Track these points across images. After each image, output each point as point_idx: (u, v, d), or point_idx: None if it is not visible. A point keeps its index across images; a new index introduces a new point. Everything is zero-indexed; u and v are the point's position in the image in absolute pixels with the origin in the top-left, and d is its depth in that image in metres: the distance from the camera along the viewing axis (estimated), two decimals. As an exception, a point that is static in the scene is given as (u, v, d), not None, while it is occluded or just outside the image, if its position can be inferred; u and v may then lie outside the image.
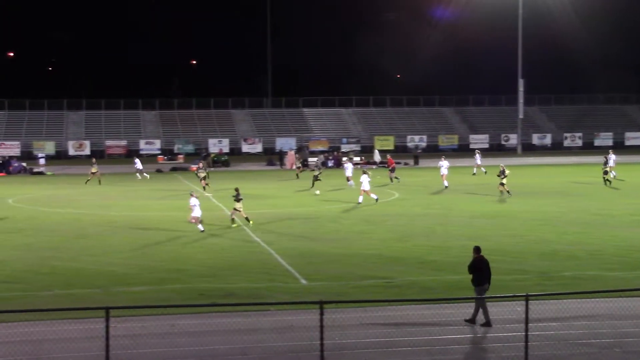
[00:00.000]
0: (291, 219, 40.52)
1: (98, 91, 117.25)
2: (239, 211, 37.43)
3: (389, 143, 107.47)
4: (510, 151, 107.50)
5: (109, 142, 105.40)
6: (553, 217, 40.24)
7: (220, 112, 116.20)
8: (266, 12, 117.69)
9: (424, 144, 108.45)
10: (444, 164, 55.49)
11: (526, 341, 16.68)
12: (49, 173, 75.67)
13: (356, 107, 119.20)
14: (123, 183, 63.20)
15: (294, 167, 72.23)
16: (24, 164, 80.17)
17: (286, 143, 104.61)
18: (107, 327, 15.22)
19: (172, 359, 17.97)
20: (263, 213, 42.62)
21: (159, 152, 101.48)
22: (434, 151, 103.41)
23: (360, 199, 45.75)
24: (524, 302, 16.75)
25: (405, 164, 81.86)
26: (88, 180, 61.64)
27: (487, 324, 20.08)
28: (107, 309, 15.33)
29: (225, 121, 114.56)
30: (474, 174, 67.50)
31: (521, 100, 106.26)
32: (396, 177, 60.30)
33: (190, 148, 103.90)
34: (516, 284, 24.58)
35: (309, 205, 46.02)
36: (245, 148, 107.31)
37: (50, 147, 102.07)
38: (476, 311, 20.22)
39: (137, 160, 70.71)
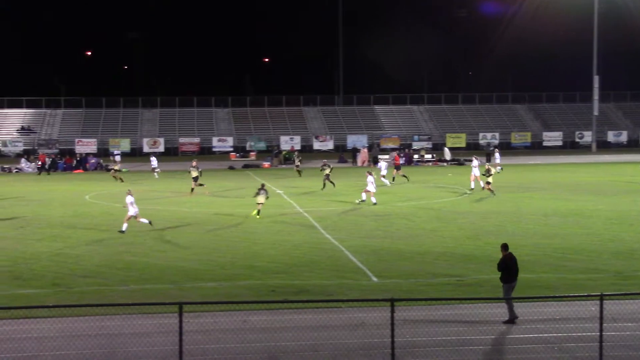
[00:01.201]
0: (362, 216, 40.49)
1: (172, 89, 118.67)
2: (261, 204, 39.67)
3: (460, 140, 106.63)
4: (584, 149, 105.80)
5: (182, 140, 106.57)
6: (629, 215, 39.51)
7: (292, 110, 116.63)
8: (338, 10, 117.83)
9: (496, 142, 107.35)
10: (476, 163, 53.47)
11: (600, 341, 16.44)
12: (124, 170, 76.80)
13: (428, 104, 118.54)
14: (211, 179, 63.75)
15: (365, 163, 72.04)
16: (101, 161, 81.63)
17: (357, 140, 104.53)
18: (181, 322, 15.41)
19: (243, 355, 18.11)
20: (334, 210, 42.70)
21: (231, 149, 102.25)
22: (506, 149, 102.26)
23: (364, 197, 45.31)
24: (598, 302, 16.51)
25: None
26: (114, 176, 62.66)
27: (511, 320, 20.02)
28: (180, 305, 15.53)
29: (297, 118, 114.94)
30: (497, 172, 65.91)
31: (596, 97, 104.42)
32: (403, 175, 59.20)
33: (262, 145, 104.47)
34: (590, 283, 24.25)
35: (380, 202, 45.92)
36: (317, 145, 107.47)
37: (125, 144, 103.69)
38: (511, 309, 20.12)
39: (153, 159, 71.45)
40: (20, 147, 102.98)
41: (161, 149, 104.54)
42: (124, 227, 35.17)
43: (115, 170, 63.67)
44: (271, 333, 19.56)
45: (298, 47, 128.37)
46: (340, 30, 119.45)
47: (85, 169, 78.08)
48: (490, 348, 18.66)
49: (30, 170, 77.74)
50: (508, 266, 20.58)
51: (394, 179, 58.35)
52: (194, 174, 50.99)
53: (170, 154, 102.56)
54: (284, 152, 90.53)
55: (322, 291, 23.82)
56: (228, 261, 28.68)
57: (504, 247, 21.03)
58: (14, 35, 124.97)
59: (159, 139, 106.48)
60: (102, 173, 74.18)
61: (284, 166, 79.77)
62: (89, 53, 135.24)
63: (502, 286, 20.69)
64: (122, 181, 61.26)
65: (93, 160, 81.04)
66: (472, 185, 51.63)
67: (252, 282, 25.15)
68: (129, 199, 35.67)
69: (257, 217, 39.61)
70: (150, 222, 35.85)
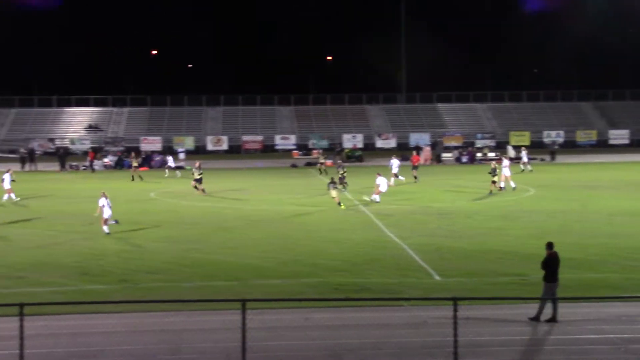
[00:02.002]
0: (425, 214, 40.37)
1: (235, 87, 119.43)
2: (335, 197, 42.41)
3: (524, 139, 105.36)
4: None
5: (245, 138, 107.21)
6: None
7: (355, 108, 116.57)
8: (400, 7, 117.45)
9: (561, 140, 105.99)
10: (506, 163, 52.34)
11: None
12: (188, 167, 77.53)
13: (491, 102, 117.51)
14: (259, 177, 64.19)
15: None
16: (167, 158, 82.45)
17: (420, 138, 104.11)
18: (244, 319, 15.57)
19: (306, 352, 18.20)
20: (397, 208, 42.64)
21: (294, 147, 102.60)
22: (571, 147, 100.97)
23: (378, 198, 44.77)
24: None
25: (542, 159, 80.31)
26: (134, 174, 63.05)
27: (554, 319, 19.85)
28: (243, 301, 15.68)
29: (360, 116, 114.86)
30: (522, 170, 65.11)
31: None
32: (415, 177, 57.98)
33: (324, 143, 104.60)
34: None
35: (443, 200, 45.74)
36: (379, 143, 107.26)
37: (189, 142, 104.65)
38: (541, 308, 19.91)
39: (169, 158, 71.50)
40: (87, 145, 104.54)
41: (225, 147, 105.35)
42: (105, 229, 34.57)
43: (135, 167, 64.08)
44: (333, 331, 19.64)
45: (361, 45, 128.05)
46: (403, 28, 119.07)
47: (150, 167, 79.00)
48: (554, 348, 18.49)
49: (97, 167, 78.95)
50: (551, 265, 20.42)
51: (415, 177, 57.74)
52: (196, 175, 50.43)
53: (234, 152, 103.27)
54: (346, 150, 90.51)
55: (384, 289, 23.84)
56: (291, 259, 28.84)
57: (549, 245, 20.86)
58: (82, 34, 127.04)
59: (222, 137, 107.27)
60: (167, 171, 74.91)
61: (347, 164, 79.74)
62: (155, 52, 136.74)
63: (543, 285, 20.52)
64: (142, 179, 61.82)
65: (158, 158, 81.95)
66: (502, 185, 50.77)
67: (315, 279, 25.26)
68: (102, 201, 34.85)
69: (342, 207, 42.12)
70: (116, 222, 35.25)
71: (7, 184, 47.07)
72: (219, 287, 24.22)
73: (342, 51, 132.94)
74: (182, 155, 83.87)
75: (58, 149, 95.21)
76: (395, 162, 57.72)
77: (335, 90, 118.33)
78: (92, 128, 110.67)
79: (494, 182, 48.68)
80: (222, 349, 18.09)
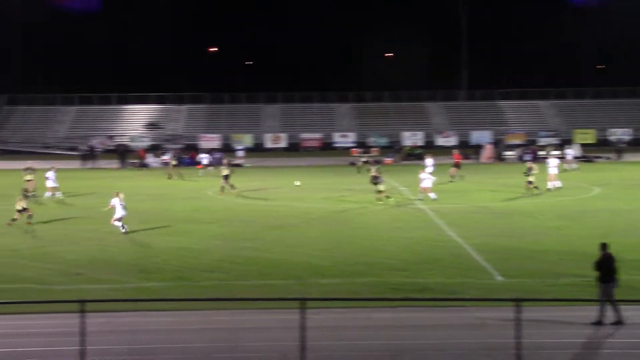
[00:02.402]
0: (485, 213, 39.80)
1: (294, 85, 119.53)
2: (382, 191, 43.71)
3: (589, 137, 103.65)
4: None
5: (304, 135, 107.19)
6: None
7: (414, 105, 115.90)
8: (459, 3, 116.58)
9: (627, 138, 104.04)
10: (553, 162, 50.85)
11: None
12: (246, 165, 77.77)
13: (555, 100, 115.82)
14: (317, 175, 64.03)
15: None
16: (201, 156, 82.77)
17: (481, 136, 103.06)
18: (303, 318, 15.31)
19: (365, 352, 17.93)
20: (456, 207, 42.15)
21: (353, 145, 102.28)
22: (639, 145, 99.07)
23: (434, 195, 43.94)
24: None
25: (607, 158, 78.92)
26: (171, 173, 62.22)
27: (619, 322, 19.29)
28: (302, 300, 15.43)
29: (419, 114, 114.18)
30: (565, 170, 63.85)
31: None
32: (461, 175, 56.56)
33: (384, 141, 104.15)
34: None
35: (503, 199, 45.09)
36: (440, 141, 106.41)
37: (248, 140, 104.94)
38: (602, 311, 19.30)
39: (204, 155, 71.02)
40: (146, 143, 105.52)
41: (283, 144, 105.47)
42: (117, 224, 34.30)
43: (174, 166, 63.60)
44: (393, 331, 19.33)
45: (421, 42, 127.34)
46: (463, 24, 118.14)
47: (208, 164, 79.20)
48: (618, 352, 17.98)
49: (156, 165, 79.53)
50: (605, 266, 19.86)
51: (453, 177, 56.37)
52: (226, 171, 49.89)
53: (292, 149, 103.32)
54: (406, 148, 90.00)
55: (444, 289, 23.45)
56: (349, 257, 28.54)
57: (603, 246, 20.32)
58: (142, 32, 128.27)
59: (281, 134, 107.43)
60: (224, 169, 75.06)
61: (406, 162, 79.28)
62: (214, 50, 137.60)
63: (598, 286, 19.95)
64: (181, 177, 60.94)
65: (216, 156, 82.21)
66: (549, 185, 49.56)
67: (374, 279, 24.93)
68: (115, 201, 34.59)
69: (390, 200, 43.27)
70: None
71: (51, 182, 47.21)
72: (275, 286, 24.03)
73: (402, 48, 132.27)
74: (240, 153, 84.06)
75: (118, 146, 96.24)
76: (429, 161, 57.11)
77: (395, 87, 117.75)
78: (151, 126, 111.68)
79: (529, 182, 47.49)
80: (279, 348, 17.87)
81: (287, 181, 57.02)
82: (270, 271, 26.26)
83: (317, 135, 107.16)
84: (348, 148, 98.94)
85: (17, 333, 18.92)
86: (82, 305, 14.90)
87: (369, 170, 52.92)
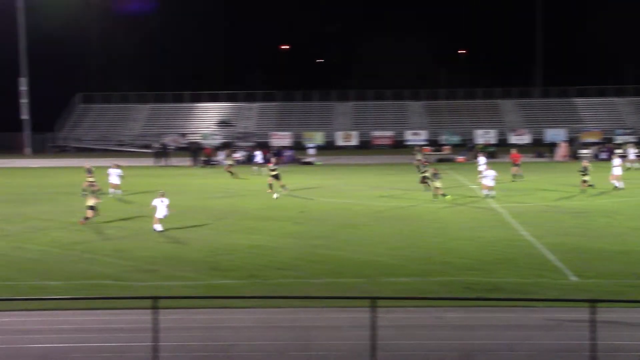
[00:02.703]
0: (561, 212, 39.22)
1: (365, 82, 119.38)
2: (438, 188, 44.25)
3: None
4: None
5: (375, 133, 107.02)
6: None
7: (487, 103, 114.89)
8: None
9: None
10: (617, 162, 49.52)
11: None
12: (317, 163, 77.92)
13: (633, 97, 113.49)
14: (388, 173, 63.85)
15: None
16: (255, 153, 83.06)
17: (555, 134, 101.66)
18: (374, 317, 15.28)
19: (437, 352, 17.81)
20: (531, 206, 41.64)
21: (424, 143, 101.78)
22: None
23: (492, 192, 43.85)
24: None
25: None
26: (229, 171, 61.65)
27: None
28: (373, 299, 15.39)
29: (493, 112, 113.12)
30: (628, 168, 62.21)
31: None
32: (519, 174, 55.24)
33: (456, 139, 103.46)
34: None
35: (578, 199, 44.39)
36: (513, 139, 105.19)
37: (319, 138, 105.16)
38: None
39: (257, 152, 70.33)
40: (218, 140, 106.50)
41: (354, 142, 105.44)
42: (157, 227, 34.55)
43: (230, 165, 63.27)
44: (465, 331, 19.16)
45: (495, 39, 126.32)
46: (538, 20, 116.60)
47: (279, 163, 79.61)
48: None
49: (226, 162, 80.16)
50: None
51: (515, 176, 55.25)
52: (273, 171, 50.12)
53: (364, 147, 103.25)
54: (478, 146, 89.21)
55: (518, 289, 23.17)
56: (421, 256, 28.40)
57: None
58: (214, 30, 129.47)
59: (352, 132, 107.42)
60: (295, 166, 75.51)
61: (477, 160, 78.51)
62: (286, 47, 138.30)
63: None
64: (234, 175, 60.54)
65: (288, 153, 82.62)
66: (617, 184, 48.61)
67: (446, 278, 24.76)
68: (157, 201, 34.70)
69: (447, 197, 43.64)
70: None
71: (113, 179, 47.72)
72: (347, 284, 24.02)
73: (475, 44, 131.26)
74: (312, 151, 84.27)
75: (190, 144, 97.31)
76: (482, 159, 56.19)
77: (468, 84, 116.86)
78: (223, 123, 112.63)
79: (584, 181, 46.67)
80: (351, 347, 17.87)
81: (358, 179, 56.96)
82: (341, 270, 26.26)
83: (389, 133, 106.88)
84: (420, 146, 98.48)
85: (94, 328, 19.25)
86: (156, 302, 15.06)
87: (419, 169, 52.69)
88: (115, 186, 48.11)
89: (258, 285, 24.05)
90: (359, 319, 17.94)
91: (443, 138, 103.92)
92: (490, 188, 44.39)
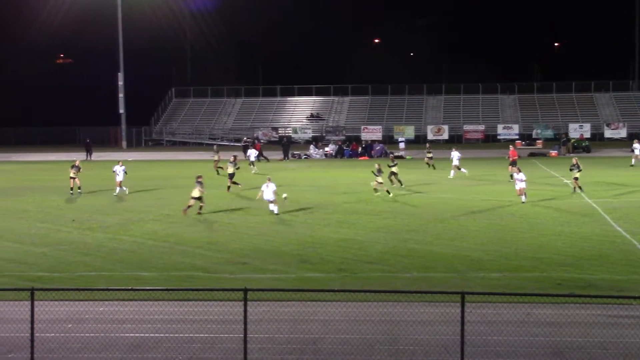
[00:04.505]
0: (657, 208, 38.31)
1: (457, 76, 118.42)
2: (381, 183, 43.82)
3: None
4: None
5: (466, 127, 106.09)
6: None
7: (582, 96, 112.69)
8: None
9: None
10: None
11: None
12: (408, 157, 77.67)
13: None
14: (479, 167, 63.21)
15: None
16: (385, 147, 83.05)
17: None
18: (463, 312, 15.18)
19: (527, 348, 17.58)
20: (627, 201, 40.76)
21: (516, 137, 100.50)
22: None
23: (524, 198, 40.66)
24: None
25: None
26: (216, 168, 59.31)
27: None
28: (463, 294, 15.30)
29: (587, 105, 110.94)
30: (632, 165, 59.99)
31: None
32: (510, 175, 49.99)
33: (549, 133, 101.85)
34: None
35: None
36: (608, 133, 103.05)
37: (409, 132, 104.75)
38: None
39: (251, 151, 66.29)
40: (309, 134, 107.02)
41: (445, 136, 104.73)
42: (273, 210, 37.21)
43: (252, 163, 61.87)
44: (556, 327, 18.88)
45: (590, 32, 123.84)
46: (637, 12, 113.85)
47: (370, 156, 79.72)
48: None
49: (317, 156, 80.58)
50: None
51: (511, 176, 49.96)
52: (230, 169, 48.38)
53: (455, 141, 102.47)
54: (572, 140, 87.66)
55: (611, 286, 22.72)
56: (512, 252, 28.07)
57: None
58: (306, 25, 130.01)
59: (443, 126, 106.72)
60: (386, 160, 75.24)
61: (572, 155, 77.20)
62: (377, 40, 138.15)
63: None
64: (218, 173, 57.83)
65: (378, 147, 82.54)
66: None
67: (537, 274, 24.43)
68: (264, 187, 37.38)
69: (390, 195, 43.61)
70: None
71: (119, 177, 46.64)
72: (436, 279, 23.92)
73: (569, 37, 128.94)
74: (402, 145, 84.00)
75: (281, 137, 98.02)
76: (455, 154, 56.11)
77: (562, 77, 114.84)
78: (314, 117, 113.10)
79: (576, 178, 44.49)
80: (440, 342, 17.79)
81: (448, 173, 56.51)
82: (431, 264, 26.16)
83: (480, 127, 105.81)
84: (512, 140, 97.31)
85: (185, 319, 19.57)
86: (246, 294, 15.24)
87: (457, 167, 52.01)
88: (120, 183, 46.89)
89: (347, 278, 24.12)
90: (448, 313, 17.87)
91: (536, 132, 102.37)
92: (522, 192, 41.23)
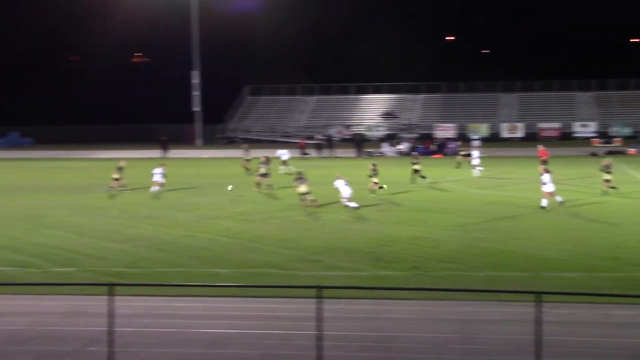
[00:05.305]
0: None
1: (532, 73, 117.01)
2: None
3: None
4: None
5: (542, 125, 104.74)
6: None
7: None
8: None
9: None
10: None
11: None
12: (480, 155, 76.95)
13: None
14: (555, 166, 62.37)
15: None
16: (459, 145, 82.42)
17: None
18: (538, 311, 15.04)
19: (604, 349, 17.36)
20: None
21: (593, 135, 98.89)
22: None
23: (544, 202, 38.06)
24: None
25: None
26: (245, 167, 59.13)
27: None
28: (538, 294, 15.17)
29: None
30: None
31: None
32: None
33: (627, 131, 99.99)
34: None
35: None
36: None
37: (483, 130, 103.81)
38: None
39: (281, 151, 63.25)
40: (382, 132, 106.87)
41: (520, 134, 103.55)
42: (350, 205, 37.77)
43: (246, 160, 60.40)
44: (636, 329, 18.60)
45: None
46: None
47: (444, 154, 79.30)
48: None
49: (391, 154, 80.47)
50: None
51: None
52: (263, 170, 47.41)
53: (530, 139, 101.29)
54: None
55: (691, 287, 22.30)
56: (586, 251, 27.71)
57: None
58: (379, 22, 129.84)
59: (517, 124, 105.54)
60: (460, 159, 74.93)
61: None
62: (451, 38, 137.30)
63: None
64: (248, 171, 57.76)
65: (452, 145, 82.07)
66: None
67: (614, 274, 24.08)
68: (339, 182, 38.46)
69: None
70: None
71: (157, 177, 46.62)
72: (509, 278, 23.73)
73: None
74: (476, 143, 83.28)
75: (354, 135, 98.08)
76: (475, 153, 56.26)
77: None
78: (387, 115, 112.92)
79: (607, 180, 43.22)
80: (514, 341, 17.67)
81: (523, 172, 56.00)
82: (504, 263, 25.97)
83: (556, 125, 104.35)
84: (588, 138, 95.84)
85: (260, 315, 19.77)
86: (319, 291, 15.32)
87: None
88: (159, 184, 46.76)
89: (420, 277, 24.08)
90: (522, 313, 17.72)
91: (613, 130, 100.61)
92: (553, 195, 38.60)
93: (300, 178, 39.73)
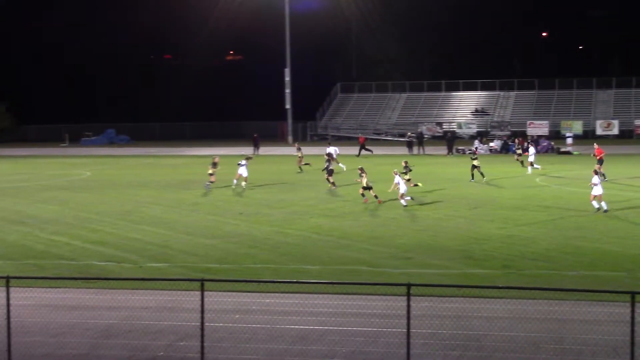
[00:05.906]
0: None
1: (629, 69, 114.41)
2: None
3: None
4: None
5: (638, 122, 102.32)
6: None
7: None
8: None
9: None
10: None
11: None
12: (575, 152, 75.78)
13: None
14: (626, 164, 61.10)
15: None
16: (552, 143, 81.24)
17: None
18: (633, 312, 14.75)
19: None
20: None
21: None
22: None
23: (601, 205, 35.69)
24: None
25: None
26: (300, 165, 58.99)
27: None
28: (633, 294, 14.86)
29: None
30: None
31: None
32: (602, 174, 45.76)
33: None
34: None
35: None
36: None
37: (577, 127, 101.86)
38: None
39: (332, 149, 60.82)
40: (473, 129, 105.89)
41: (615, 131, 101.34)
42: (403, 202, 38.21)
43: (301, 159, 59.62)
44: None
45: None
46: None
47: (537, 151, 78.09)
48: None
49: (483, 152, 79.68)
50: None
51: (604, 175, 46.86)
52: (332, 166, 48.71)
53: (625, 136, 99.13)
54: None
55: None
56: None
57: None
58: (471, 18, 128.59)
59: (612, 121, 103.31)
60: (552, 156, 73.83)
61: None
62: (545, 34, 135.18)
63: None
64: (301, 170, 58.31)
65: (545, 143, 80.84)
66: None
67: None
68: (397, 178, 38.53)
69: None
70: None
71: (242, 171, 47.67)
72: (604, 277, 23.30)
73: None
74: (569, 140, 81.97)
75: (445, 132, 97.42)
76: (531, 150, 55.34)
77: None
78: (478, 112, 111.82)
79: None
80: (609, 342, 17.34)
81: (617, 170, 54.82)
82: (598, 262, 25.50)
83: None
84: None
85: (349, 312, 19.83)
86: (409, 289, 15.29)
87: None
88: (244, 178, 47.92)
89: (511, 275, 23.83)
90: (616, 313, 17.38)
91: None
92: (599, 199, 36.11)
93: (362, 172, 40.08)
